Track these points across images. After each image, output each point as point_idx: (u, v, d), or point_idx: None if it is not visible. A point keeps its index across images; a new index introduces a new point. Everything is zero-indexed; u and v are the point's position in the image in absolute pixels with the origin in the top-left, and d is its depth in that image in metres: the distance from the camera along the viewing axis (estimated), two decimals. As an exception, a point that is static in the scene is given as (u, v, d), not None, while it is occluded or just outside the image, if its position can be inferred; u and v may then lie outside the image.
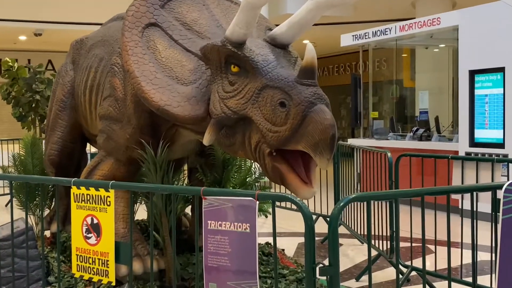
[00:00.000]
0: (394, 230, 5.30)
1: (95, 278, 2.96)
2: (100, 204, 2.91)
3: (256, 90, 3.84)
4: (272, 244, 3.50)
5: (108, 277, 2.90)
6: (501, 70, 8.72)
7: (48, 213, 6.90)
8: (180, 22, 4.71)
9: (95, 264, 2.95)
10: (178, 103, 4.26)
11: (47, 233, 6.84)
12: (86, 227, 2.99)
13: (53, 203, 7.02)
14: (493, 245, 2.98)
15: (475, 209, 3.51)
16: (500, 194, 2.16)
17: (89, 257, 2.98)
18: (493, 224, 3.39)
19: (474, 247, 3.27)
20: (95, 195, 2.94)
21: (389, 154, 5.54)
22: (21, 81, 15.28)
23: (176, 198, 4.95)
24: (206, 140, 4.15)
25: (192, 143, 5.32)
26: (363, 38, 11.50)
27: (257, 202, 2.39)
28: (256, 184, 5.67)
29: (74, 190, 3.03)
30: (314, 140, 3.48)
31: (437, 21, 9.78)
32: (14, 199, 6.12)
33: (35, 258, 5.76)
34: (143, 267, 4.87)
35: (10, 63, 15.65)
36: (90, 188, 2.96)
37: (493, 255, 3.29)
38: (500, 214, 2.04)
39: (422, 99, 11.93)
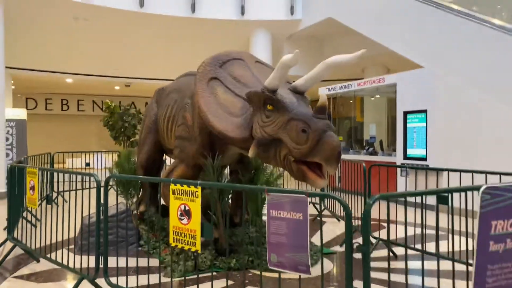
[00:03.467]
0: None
1: (186, 247, 2.68)
2: (191, 196, 2.63)
3: (284, 121, 3.71)
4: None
5: (195, 246, 2.62)
6: (424, 111, 8.48)
7: (137, 199, 6.60)
8: (231, 77, 4.49)
9: (186, 238, 2.66)
10: (233, 129, 4.05)
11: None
12: (180, 212, 2.70)
13: (140, 192, 6.73)
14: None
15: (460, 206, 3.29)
16: (476, 194, 1.84)
17: (182, 233, 2.69)
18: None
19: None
20: (187, 190, 2.66)
21: (364, 164, 5.25)
22: (116, 114, 15.10)
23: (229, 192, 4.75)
24: (251, 153, 3.93)
25: (235, 155, 5.08)
26: (333, 90, 11.26)
27: (308, 198, 2.10)
28: (276, 182, 5.37)
29: (172, 186, 2.76)
30: (326, 155, 3.38)
31: (382, 80, 9.55)
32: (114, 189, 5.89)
33: (131, 228, 5.48)
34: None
35: (110, 103, 15.49)
36: (183, 185, 2.67)
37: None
38: (478, 211, 1.75)
39: (371, 129, 11.69)
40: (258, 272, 4.38)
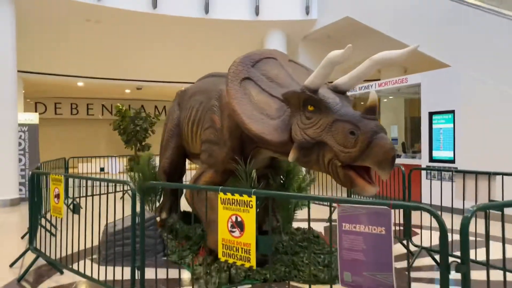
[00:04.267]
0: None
1: (239, 263, 2.43)
2: (243, 206, 2.39)
3: (329, 122, 3.47)
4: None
5: (249, 262, 2.37)
6: (452, 112, 8.19)
7: (158, 206, 6.38)
8: (265, 77, 4.25)
9: (238, 252, 2.42)
10: (270, 132, 3.80)
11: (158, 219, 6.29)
12: (231, 223, 2.46)
13: (161, 198, 6.51)
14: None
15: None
16: None
17: (233, 246, 2.45)
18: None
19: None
20: (239, 200, 2.42)
21: (402, 168, 4.97)
22: (128, 118, 14.92)
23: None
24: (291, 158, 3.68)
25: (265, 159, 4.84)
26: (352, 91, 10.99)
27: (391, 210, 1.85)
28: (307, 187, 5.13)
29: (221, 195, 2.51)
30: (378, 158, 3.12)
31: (405, 80, 9.27)
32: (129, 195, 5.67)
33: (155, 236, 5.24)
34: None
35: (120, 107, 15.32)
36: (235, 194, 2.43)
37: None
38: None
39: (392, 130, 11.39)
40: (297, 284, 4.13)
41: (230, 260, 2.47)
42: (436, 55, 8.60)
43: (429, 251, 4.37)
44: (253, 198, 2.38)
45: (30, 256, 4.88)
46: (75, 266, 4.25)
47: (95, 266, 4.45)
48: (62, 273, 4.51)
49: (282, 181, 4.97)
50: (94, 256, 5.05)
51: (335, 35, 12.60)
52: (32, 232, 4.68)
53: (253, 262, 2.36)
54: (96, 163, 10.57)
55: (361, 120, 3.26)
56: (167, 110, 21.63)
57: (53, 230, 5.94)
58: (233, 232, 2.45)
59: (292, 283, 4.16)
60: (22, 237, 6.37)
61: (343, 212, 1.99)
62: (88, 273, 4.04)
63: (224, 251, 2.50)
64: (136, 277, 3.30)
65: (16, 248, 5.78)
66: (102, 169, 10.20)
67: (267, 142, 3.79)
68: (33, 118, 10.71)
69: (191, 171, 6.69)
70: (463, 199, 4.22)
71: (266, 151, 4.45)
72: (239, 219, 2.42)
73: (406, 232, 4.73)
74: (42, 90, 17.43)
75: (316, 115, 3.57)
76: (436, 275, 4.37)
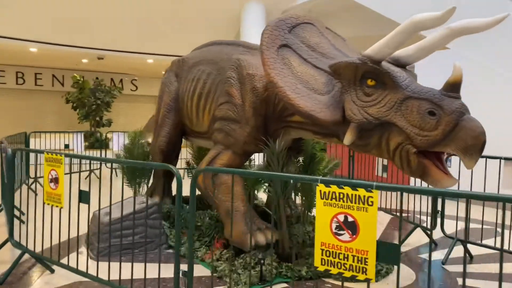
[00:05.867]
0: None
1: (347, 274, 1.91)
2: (358, 203, 1.86)
3: (398, 100, 2.99)
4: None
5: (366, 274, 1.86)
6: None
7: (148, 189, 5.68)
8: (305, 45, 3.68)
9: (348, 261, 1.90)
10: (320, 109, 3.26)
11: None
12: (337, 224, 1.93)
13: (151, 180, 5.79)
14: None
15: None
16: None
17: (339, 253, 1.92)
18: None
19: None
20: (351, 194, 1.89)
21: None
22: (87, 90, 13.63)
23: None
24: (348, 140, 3.18)
25: (288, 141, 4.31)
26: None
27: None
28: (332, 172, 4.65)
29: (321, 187, 1.97)
30: (466, 144, 2.70)
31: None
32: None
33: (156, 226, 4.58)
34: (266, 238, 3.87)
35: (78, 78, 13.97)
36: (343, 187, 1.90)
37: None
38: None
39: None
40: (333, 281, 3.69)
41: (334, 271, 1.95)
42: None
43: (464, 242, 4.09)
44: (375, 194, 1.85)
45: (7, 249, 4.08)
46: (64, 262, 3.55)
47: (90, 262, 3.76)
48: (53, 271, 3.76)
49: (303, 165, 4.46)
50: (81, 250, 4.34)
51: (316, 10, 12.11)
52: (10, 222, 3.87)
53: (371, 274, 1.86)
54: (59, 139, 9.43)
55: (443, 98, 2.81)
56: (124, 83, 20.32)
57: (23, 217, 5.07)
58: (340, 235, 1.92)
59: (328, 280, 3.72)
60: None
61: None
62: (82, 269, 3.36)
63: (325, 258, 1.97)
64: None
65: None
66: (67, 146, 9.15)
67: (318, 121, 3.25)
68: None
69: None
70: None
71: (301, 131, 3.92)
72: (350, 219, 1.89)
73: (435, 221, 4.45)
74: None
75: (380, 91, 3.08)
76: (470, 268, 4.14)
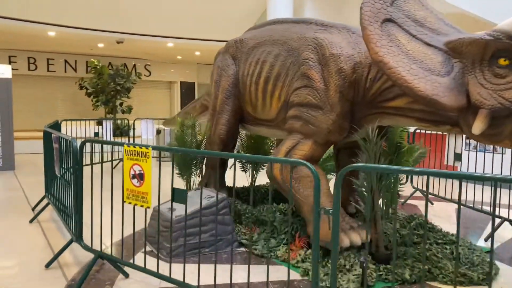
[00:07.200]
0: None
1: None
2: None
3: None
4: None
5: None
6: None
7: (201, 181, 5.32)
8: (411, 19, 3.24)
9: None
10: (444, 93, 2.85)
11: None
12: None
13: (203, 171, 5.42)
14: None
15: None
16: None
17: None
18: None
19: None
20: None
21: None
22: (106, 75, 13.19)
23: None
24: (478, 129, 2.78)
25: (372, 129, 3.90)
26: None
27: None
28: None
29: None
30: None
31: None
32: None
33: (227, 223, 4.21)
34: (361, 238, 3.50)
35: (96, 63, 13.53)
36: None
37: None
38: None
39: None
40: (443, 286, 3.33)
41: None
42: (486, 16, 7.89)
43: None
44: None
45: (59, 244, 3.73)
46: (140, 264, 3.20)
47: (163, 263, 3.40)
48: (127, 276, 3.41)
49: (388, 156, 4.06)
50: (148, 249, 3.99)
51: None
52: (79, 224, 3.50)
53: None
54: (88, 127, 9.03)
55: None
56: (137, 68, 19.80)
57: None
58: None
59: (433, 283, 3.36)
60: (31, 221, 5.09)
61: None
62: (165, 273, 3.01)
63: None
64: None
65: (28, 237, 4.54)
66: (96, 134, 8.77)
67: (442, 107, 2.84)
68: (4, 71, 8.97)
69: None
70: None
71: (399, 118, 3.52)
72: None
73: None
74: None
75: (517, 71, 2.68)
76: None
